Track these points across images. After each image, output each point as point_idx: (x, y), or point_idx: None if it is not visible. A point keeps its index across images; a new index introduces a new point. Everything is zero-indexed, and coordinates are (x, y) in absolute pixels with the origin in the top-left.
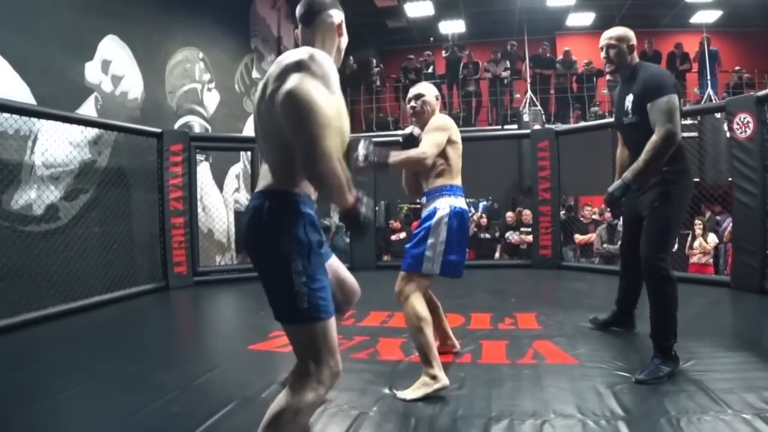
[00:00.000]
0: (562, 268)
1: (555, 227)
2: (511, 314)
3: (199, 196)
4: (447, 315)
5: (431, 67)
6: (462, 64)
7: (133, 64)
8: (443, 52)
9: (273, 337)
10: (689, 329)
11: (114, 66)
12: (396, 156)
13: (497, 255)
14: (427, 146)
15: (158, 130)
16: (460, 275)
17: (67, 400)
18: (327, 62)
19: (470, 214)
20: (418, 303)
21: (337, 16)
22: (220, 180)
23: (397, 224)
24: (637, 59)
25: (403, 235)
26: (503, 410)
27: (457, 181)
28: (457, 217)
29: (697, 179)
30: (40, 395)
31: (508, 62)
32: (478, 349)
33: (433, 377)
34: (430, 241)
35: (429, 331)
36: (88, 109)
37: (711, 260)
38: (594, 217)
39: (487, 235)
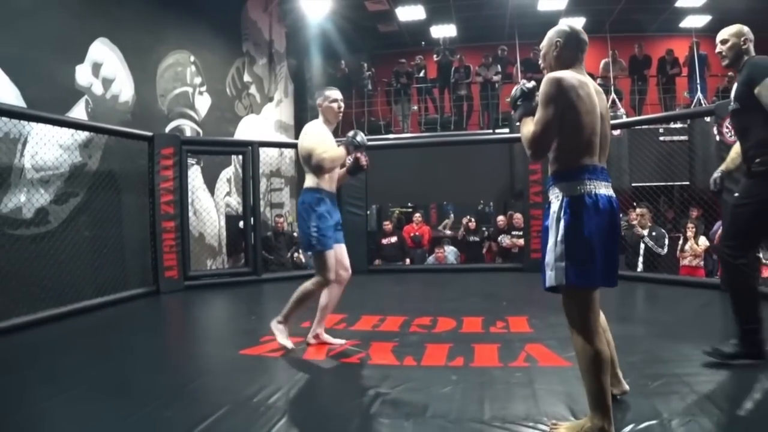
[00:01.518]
0: None
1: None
2: (502, 318)
3: (190, 200)
4: (438, 319)
5: (423, 71)
6: (453, 69)
7: (124, 67)
8: (435, 56)
9: (264, 341)
10: (680, 331)
11: (105, 69)
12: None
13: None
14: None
15: (149, 134)
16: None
17: (56, 405)
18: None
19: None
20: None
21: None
22: (211, 184)
23: (388, 228)
24: (752, 53)
25: (394, 239)
26: (496, 414)
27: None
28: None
29: (686, 182)
30: (29, 400)
31: (499, 66)
32: (471, 352)
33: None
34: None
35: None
36: (78, 112)
37: (702, 263)
38: None
39: (476, 239)
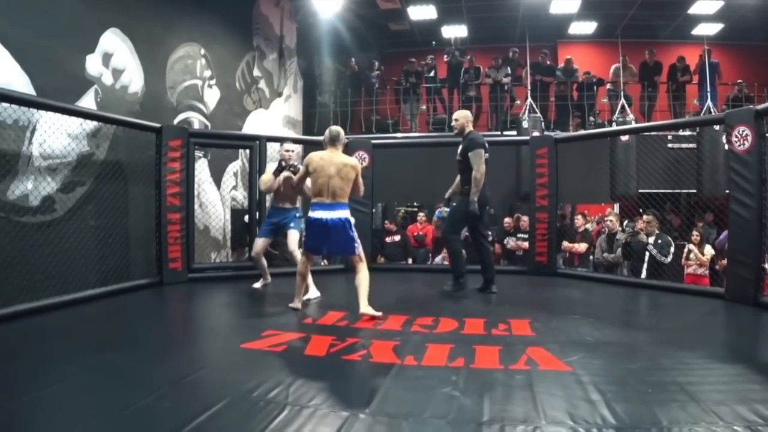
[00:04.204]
0: (557, 275)
1: (551, 234)
2: (505, 320)
3: (196, 193)
4: (440, 319)
5: (433, 71)
6: (463, 69)
7: (135, 58)
8: (445, 56)
9: (265, 336)
10: (683, 339)
11: (115, 59)
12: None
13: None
14: None
15: (157, 125)
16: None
17: (55, 393)
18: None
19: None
20: None
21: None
22: (217, 177)
23: (392, 226)
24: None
25: (397, 237)
26: (495, 416)
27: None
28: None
29: (693, 190)
30: (29, 387)
31: (509, 68)
32: (471, 354)
33: None
34: None
35: None
36: (87, 101)
37: (707, 272)
38: (587, 226)
39: None
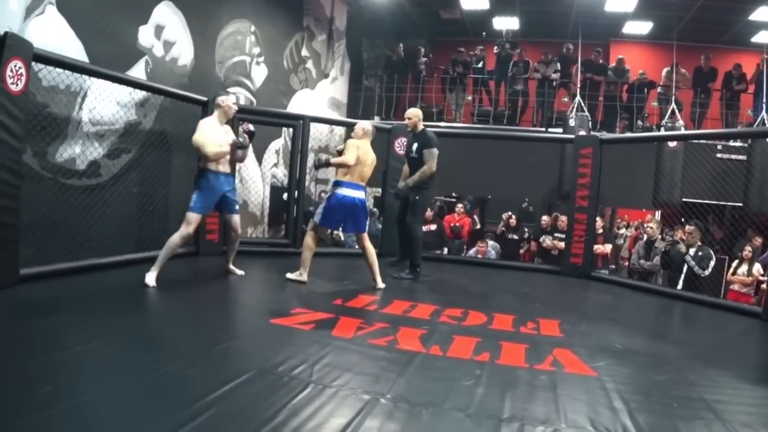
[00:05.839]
0: (591, 278)
1: (589, 236)
2: (534, 319)
3: (237, 167)
4: (469, 312)
5: (481, 62)
6: (512, 62)
7: (186, 31)
8: (495, 48)
9: (295, 313)
10: (714, 356)
11: (167, 32)
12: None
13: (527, 257)
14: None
15: (204, 98)
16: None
17: (86, 351)
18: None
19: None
20: None
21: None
22: (259, 154)
23: (429, 215)
24: None
25: (434, 226)
26: (515, 413)
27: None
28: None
29: (739, 203)
30: (61, 344)
31: (558, 64)
32: (498, 349)
33: None
34: None
35: None
36: (138, 71)
37: (752, 290)
38: (621, 231)
39: (515, 236)
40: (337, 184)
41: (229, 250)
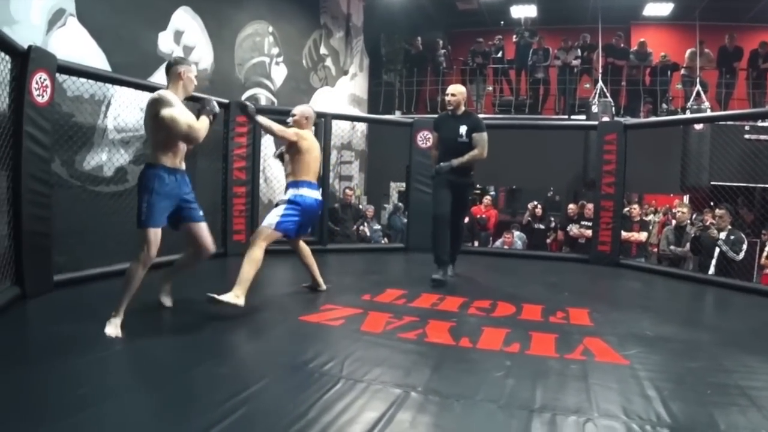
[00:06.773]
0: (620, 265)
1: (616, 223)
2: (563, 308)
3: (261, 167)
4: (498, 303)
5: (500, 52)
6: (532, 51)
7: (205, 35)
8: (514, 37)
9: (324, 310)
10: (748, 342)
11: (186, 37)
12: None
13: (554, 247)
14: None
15: (226, 101)
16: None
17: (118, 352)
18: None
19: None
20: None
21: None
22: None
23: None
24: None
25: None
26: (547, 404)
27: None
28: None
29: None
30: (97, 346)
31: (579, 51)
32: (527, 340)
33: None
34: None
35: None
36: (159, 77)
37: None
38: (649, 217)
39: (541, 226)
40: (297, 185)
41: (182, 268)
